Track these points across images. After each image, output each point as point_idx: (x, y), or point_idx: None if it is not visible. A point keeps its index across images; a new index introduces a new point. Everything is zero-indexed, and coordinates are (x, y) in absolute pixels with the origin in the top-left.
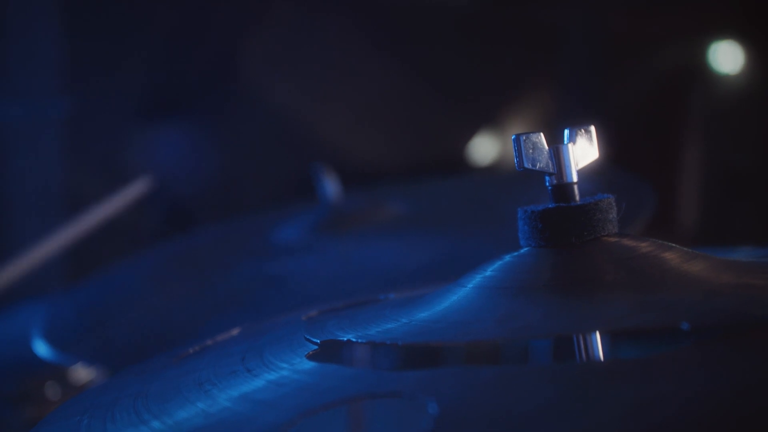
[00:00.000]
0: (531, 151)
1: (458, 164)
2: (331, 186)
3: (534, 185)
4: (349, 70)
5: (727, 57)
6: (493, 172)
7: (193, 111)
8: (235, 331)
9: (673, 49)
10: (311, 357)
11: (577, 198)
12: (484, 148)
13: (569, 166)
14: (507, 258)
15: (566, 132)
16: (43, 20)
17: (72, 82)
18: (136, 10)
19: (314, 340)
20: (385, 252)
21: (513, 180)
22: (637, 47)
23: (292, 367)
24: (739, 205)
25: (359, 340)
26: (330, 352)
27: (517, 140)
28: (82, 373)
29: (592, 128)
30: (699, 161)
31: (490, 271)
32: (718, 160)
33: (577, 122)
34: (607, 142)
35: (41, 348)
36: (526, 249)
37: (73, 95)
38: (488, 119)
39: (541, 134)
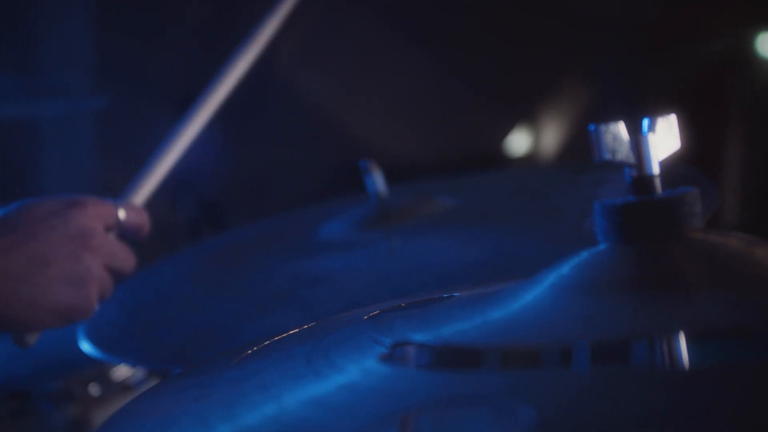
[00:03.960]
0: (611, 141)
1: (497, 158)
2: (378, 181)
3: (580, 177)
4: (385, 65)
5: None
6: (535, 164)
7: (226, 106)
8: (293, 331)
9: (716, 39)
10: (384, 359)
11: (659, 191)
12: (522, 141)
13: (651, 157)
14: (584, 255)
15: (646, 121)
16: (77, 17)
17: (106, 79)
18: (169, 5)
19: (385, 341)
20: (435, 248)
21: (558, 172)
22: (679, 37)
23: (363, 369)
24: None
25: (434, 341)
26: (403, 354)
27: (596, 131)
28: (127, 373)
29: (673, 117)
30: (744, 152)
31: (567, 268)
32: (763, 151)
33: (618, 114)
34: None
35: (85, 346)
36: (604, 245)
37: (107, 91)
38: (525, 112)
39: (622, 124)
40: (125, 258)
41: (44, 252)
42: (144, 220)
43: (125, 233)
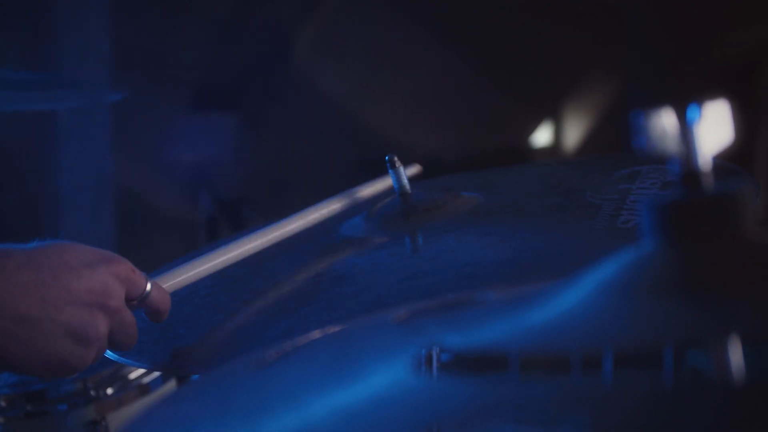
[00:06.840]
0: (659, 131)
1: (522, 151)
2: (402, 176)
3: (612, 171)
4: (408, 60)
5: None
6: (563, 157)
7: (244, 102)
8: (316, 334)
9: (746, 30)
10: (418, 366)
11: (711, 186)
12: (548, 134)
13: (701, 149)
14: (630, 256)
15: (694, 110)
16: (96, 11)
17: (124, 73)
18: (184, 1)
19: (418, 347)
20: (462, 245)
21: (588, 166)
22: (709, 29)
23: (394, 378)
24: None
25: (471, 348)
26: (438, 361)
27: (644, 119)
28: (143, 374)
29: (725, 104)
30: None
31: (611, 269)
32: None
33: (646, 107)
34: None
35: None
36: (652, 245)
37: (125, 86)
38: (552, 105)
39: (671, 111)
40: (131, 334)
41: (61, 297)
42: (166, 304)
43: (143, 307)
